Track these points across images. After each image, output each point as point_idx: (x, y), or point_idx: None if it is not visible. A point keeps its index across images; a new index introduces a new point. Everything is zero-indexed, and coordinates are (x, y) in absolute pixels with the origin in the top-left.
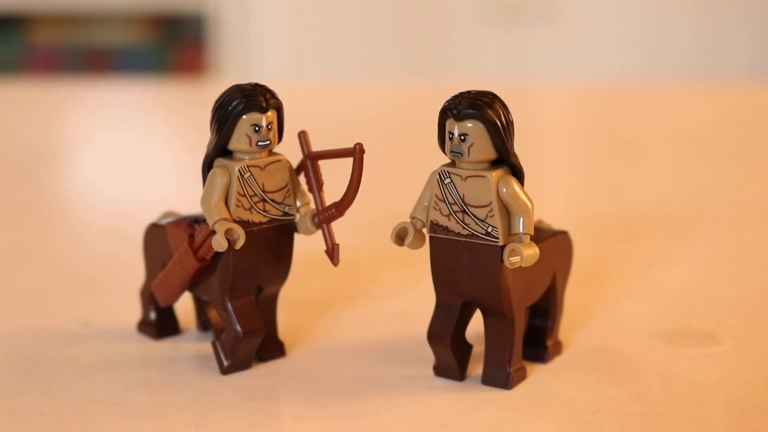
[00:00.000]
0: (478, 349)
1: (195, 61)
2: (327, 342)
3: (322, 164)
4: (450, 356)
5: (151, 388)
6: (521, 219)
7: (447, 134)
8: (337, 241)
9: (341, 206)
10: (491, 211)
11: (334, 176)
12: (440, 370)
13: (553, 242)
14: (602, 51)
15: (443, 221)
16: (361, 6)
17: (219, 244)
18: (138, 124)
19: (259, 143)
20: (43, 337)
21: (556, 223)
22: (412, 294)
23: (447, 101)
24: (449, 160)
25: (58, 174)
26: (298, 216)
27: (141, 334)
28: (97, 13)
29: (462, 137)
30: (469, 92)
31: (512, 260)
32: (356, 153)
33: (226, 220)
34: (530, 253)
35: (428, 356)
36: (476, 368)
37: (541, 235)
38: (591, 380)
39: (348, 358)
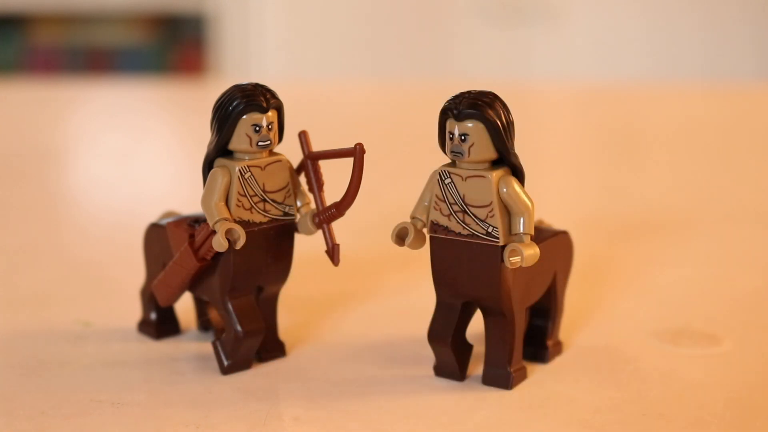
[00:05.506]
0: (479, 349)
1: (195, 61)
2: (327, 342)
3: (323, 164)
4: (450, 356)
5: (151, 388)
6: (521, 219)
7: (447, 134)
8: (338, 241)
9: (341, 206)
10: (491, 211)
11: (335, 176)
12: (440, 370)
13: (554, 242)
14: (602, 51)
15: (444, 221)
16: (361, 6)
17: (219, 244)
18: (138, 124)
19: (260, 143)
20: (43, 337)
21: (556, 223)
22: (412, 294)
23: (447, 101)
24: (449, 160)
25: (58, 174)
26: (298, 216)
27: (141, 334)
28: (97, 13)
29: (462, 137)
30: (469, 92)
31: (512, 260)
32: (356, 153)
33: (226, 220)
34: (530, 253)
35: (428, 356)
36: (476, 368)
37: (542, 235)
38: (591, 380)
39: (348, 358)
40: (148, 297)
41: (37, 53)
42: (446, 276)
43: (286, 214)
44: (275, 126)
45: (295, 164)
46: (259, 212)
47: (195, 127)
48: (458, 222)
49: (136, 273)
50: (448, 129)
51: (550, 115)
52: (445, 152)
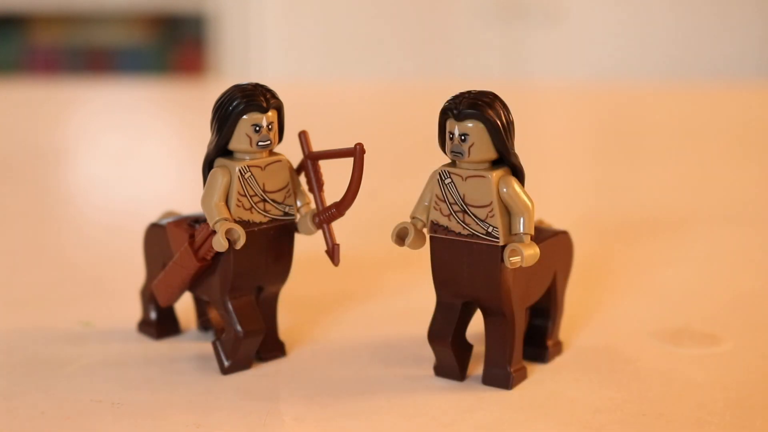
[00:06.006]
0: (479, 349)
1: (195, 61)
2: (327, 342)
3: (323, 164)
4: (450, 356)
5: (151, 388)
6: (521, 219)
7: (447, 134)
8: (338, 241)
9: (342, 206)
10: (491, 211)
11: (335, 176)
12: (440, 370)
13: (554, 242)
14: (603, 51)
15: (444, 221)
16: (361, 6)
17: (219, 244)
18: (138, 124)
19: (260, 143)
20: (43, 337)
21: (556, 223)
22: (412, 294)
23: (447, 101)
24: (449, 160)
25: (58, 174)
26: (298, 216)
27: (141, 334)
28: (97, 13)
29: (462, 137)
30: (469, 92)
31: (512, 260)
32: (356, 153)
33: (226, 220)
34: (530, 253)
35: (428, 356)
36: (476, 368)
37: (542, 235)
38: (591, 380)
39: (348, 358)
40: (148, 297)
41: (37, 53)
42: (446, 276)
43: (286, 214)
44: (275, 126)
45: (295, 164)
46: (259, 212)
47: (195, 127)
48: (458, 222)
49: (136, 273)
50: (448, 129)
51: (550, 115)
52: (445, 152)
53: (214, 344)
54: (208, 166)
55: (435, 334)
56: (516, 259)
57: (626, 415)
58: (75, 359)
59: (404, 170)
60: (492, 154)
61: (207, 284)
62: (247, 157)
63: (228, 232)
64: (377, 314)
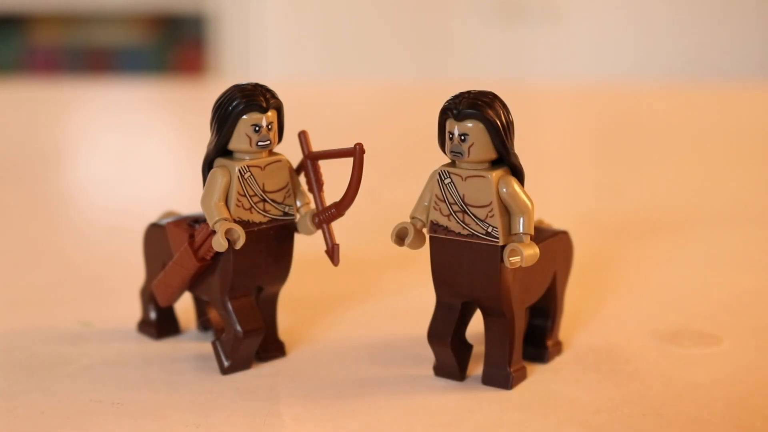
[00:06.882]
0: (478, 349)
1: (195, 61)
2: (327, 342)
3: (322, 164)
4: (450, 356)
5: (151, 388)
6: (521, 219)
7: (447, 134)
8: (338, 241)
9: (341, 206)
10: (491, 211)
11: (334, 176)
12: (440, 370)
13: (554, 242)
14: (602, 51)
15: (443, 221)
16: (361, 6)
17: (219, 244)
18: (138, 124)
19: (260, 143)
20: (43, 337)
21: (556, 223)
22: (412, 294)
23: (447, 101)
24: (449, 160)
25: (58, 174)
26: (298, 216)
27: (141, 334)
28: (97, 13)
29: (462, 137)
30: (469, 92)
31: (512, 260)
32: (356, 153)
33: (226, 220)
34: (530, 253)
35: (428, 356)
36: (476, 368)
37: (542, 234)
38: (591, 380)
39: (348, 358)
40: (148, 297)
41: (37, 53)
42: (446, 276)
43: (285, 214)
44: (275, 126)
45: (295, 164)
46: (258, 212)
47: (195, 127)
48: (458, 222)
49: (136, 273)
50: (447, 129)
51: (550, 115)
52: (445, 152)
53: (213, 344)
54: (207, 166)
55: (435, 334)
56: (516, 259)
57: (626, 415)
58: (75, 359)
59: (404, 170)
60: (492, 154)
61: (207, 284)
62: (247, 157)
63: (228, 232)
64: (377, 314)
